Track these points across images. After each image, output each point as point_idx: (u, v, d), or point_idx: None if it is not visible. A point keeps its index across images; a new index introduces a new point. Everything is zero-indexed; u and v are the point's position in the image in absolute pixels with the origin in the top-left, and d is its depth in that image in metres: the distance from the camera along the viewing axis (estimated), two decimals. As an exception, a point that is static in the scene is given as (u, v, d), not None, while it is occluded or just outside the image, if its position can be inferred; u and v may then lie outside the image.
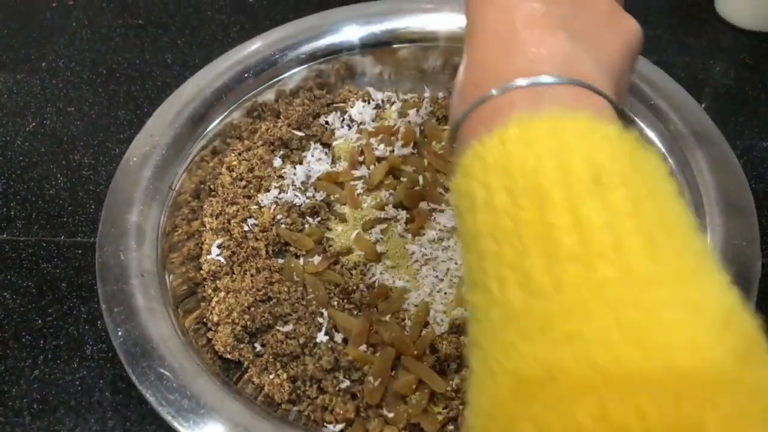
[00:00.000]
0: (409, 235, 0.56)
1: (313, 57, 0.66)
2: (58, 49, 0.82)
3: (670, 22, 0.82)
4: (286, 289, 0.50)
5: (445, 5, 0.67)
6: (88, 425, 0.51)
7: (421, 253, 0.54)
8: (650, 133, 0.58)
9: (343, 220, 0.57)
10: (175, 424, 0.41)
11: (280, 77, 0.65)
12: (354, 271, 0.54)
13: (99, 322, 0.57)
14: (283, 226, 0.55)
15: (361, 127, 0.63)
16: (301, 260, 0.54)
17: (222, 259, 0.54)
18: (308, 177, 0.59)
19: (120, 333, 0.45)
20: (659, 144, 0.57)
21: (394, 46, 0.67)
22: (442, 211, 0.56)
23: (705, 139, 0.55)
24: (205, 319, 0.51)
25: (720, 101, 0.73)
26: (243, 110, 0.63)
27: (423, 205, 0.57)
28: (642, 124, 0.59)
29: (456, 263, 0.54)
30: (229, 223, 0.56)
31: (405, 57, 0.68)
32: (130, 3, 0.88)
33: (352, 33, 0.66)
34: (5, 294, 0.59)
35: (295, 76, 0.65)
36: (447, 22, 0.66)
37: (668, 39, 0.80)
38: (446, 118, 0.64)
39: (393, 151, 0.61)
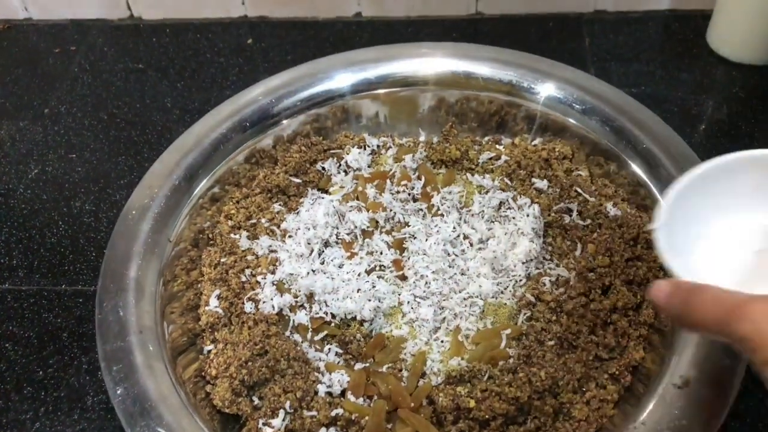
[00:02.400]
0: (399, 281, 0.57)
1: (309, 103, 0.67)
2: (61, 95, 0.83)
3: (663, 58, 0.83)
4: (282, 342, 0.51)
5: (437, 50, 0.68)
6: (88, 479, 0.52)
7: (413, 296, 0.55)
8: (643, 177, 0.59)
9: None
10: (174, 484, 0.42)
11: (279, 123, 0.66)
12: (352, 322, 0.54)
13: (100, 373, 0.57)
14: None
15: (356, 172, 0.64)
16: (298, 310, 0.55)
17: (220, 311, 0.54)
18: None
19: (119, 391, 0.45)
20: (652, 187, 0.58)
21: (389, 90, 0.68)
22: (426, 254, 0.57)
23: (696, 183, 0.55)
24: (203, 372, 0.51)
25: (713, 137, 0.74)
26: (242, 157, 0.64)
27: (410, 245, 0.58)
28: (635, 168, 0.59)
29: (451, 312, 0.54)
30: (227, 273, 0.56)
31: (400, 100, 0.69)
32: (131, 47, 0.89)
33: (347, 79, 0.67)
34: (7, 345, 0.60)
35: (293, 121, 0.66)
36: (438, 66, 0.67)
37: (661, 74, 0.81)
38: (441, 162, 0.65)
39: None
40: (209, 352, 0.53)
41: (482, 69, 0.66)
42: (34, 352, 0.59)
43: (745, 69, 0.80)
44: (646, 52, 0.84)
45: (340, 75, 0.67)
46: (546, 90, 0.64)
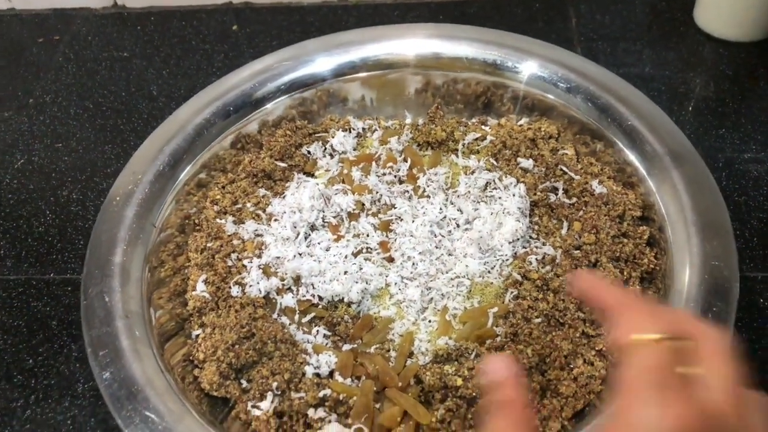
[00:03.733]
0: (386, 263, 0.57)
1: (294, 87, 0.66)
2: (45, 84, 0.83)
3: (650, 37, 0.82)
4: (269, 325, 0.51)
5: (420, 31, 0.67)
6: (79, 465, 0.52)
7: (400, 278, 0.55)
8: (629, 154, 0.58)
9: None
10: (162, 466, 0.42)
11: (263, 108, 0.66)
12: (340, 304, 0.54)
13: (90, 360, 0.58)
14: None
15: (342, 156, 0.64)
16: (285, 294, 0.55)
17: (207, 295, 0.54)
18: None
19: (105, 376, 0.45)
20: (638, 165, 0.58)
21: (373, 73, 0.68)
22: (413, 235, 0.57)
23: (682, 159, 0.55)
24: (191, 356, 0.51)
25: (701, 114, 0.74)
26: (228, 141, 0.64)
27: (396, 227, 0.58)
28: (621, 145, 0.59)
29: (438, 292, 0.54)
30: (213, 258, 0.56)
31: (386, 83, 0.68)
32: (116, 36, 0.89)
33: (331, 61, 0.67)
34: (-4, 334, 0.60)
35: (278, 105, 0.66)
36: (422, 47, 0.66)
37: (648, 53, 0.80)
38: (427, 144, 0.65)
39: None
40: (197, 336, 0.53)
41: (466, 49, 0.65)
42: (23, 340, 0.59)
43: (732, 46, 0.80)
44: (633, 31, 0.84)
45: (324, 58, 0.66)
46: (529, 69, 0.64)
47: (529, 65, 0.64)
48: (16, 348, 0.59)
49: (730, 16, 0.79)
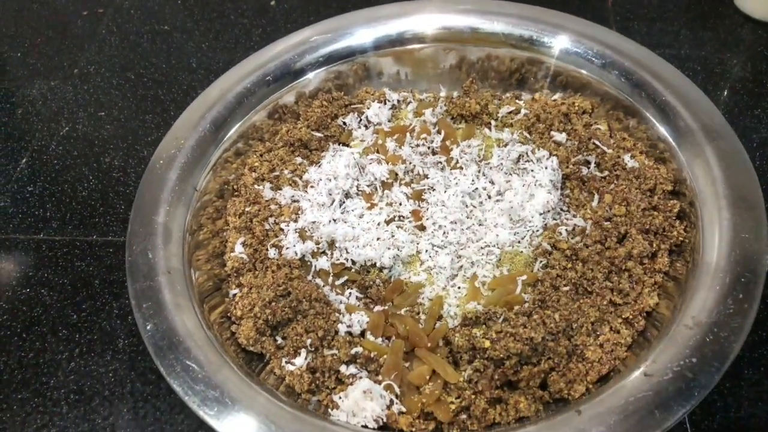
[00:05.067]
0: (418, 231, 0.58)
1: (331, 59, 0.68)
2: (89, 55, 0.85)
3: (687, 17, 0.82)
4: (304, 285, 0.52)
5: (458, 6, 0.68)
6: (120, 414, 0.54)
7: (431, 245, 0.56)
8: (662, 130, 0.59)
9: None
10: (201, 413, 0.44)
11: (301, 79, 0.67)
12: (372, 268, 0.56)
13: (130, 317, 0.60)
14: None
15: (377, 127, 0.65)
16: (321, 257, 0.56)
17: (245, 256, 0.56)
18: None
19: (149, 327, 0.48)
20: (671, 140, 0.58)
21: (410, 46, 0.68)
22: (444, 205, 0.58)
23: (715, 134, 0.55)
24: (229, 314, 0.53)
25: (737, 95, 0.73)
26: (265, 112, 0.65)
27: (429, 197, 0.59)
28: (654, 121, 0.59)
29: (468, 260, 0.55)
30: (251, 221, 0.58)
31: (421, 57, 0.69)
32: (157, 10, 0.91)
33: (367, 35, 0.68)
34: (43, 291, 0.63)
35: (314, 77, 0.67)
36: (459, 21, 0.67)
37: (685, 34, 0.80)
38: (461, 116, 0.66)
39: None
40: (234, 295, 0.55)
41: (502, 24, 0.66)
42: (68, 297, 0.62)
43: (771, 27, 0.79)
44: (670, 11, 0.83)
45: (361, 30, 0.67)
46: (565, 44, 0.64)
47: (564, 40, 0.64)
48: (61, 304, 0.62)
49: (770, -4, 0.78)
